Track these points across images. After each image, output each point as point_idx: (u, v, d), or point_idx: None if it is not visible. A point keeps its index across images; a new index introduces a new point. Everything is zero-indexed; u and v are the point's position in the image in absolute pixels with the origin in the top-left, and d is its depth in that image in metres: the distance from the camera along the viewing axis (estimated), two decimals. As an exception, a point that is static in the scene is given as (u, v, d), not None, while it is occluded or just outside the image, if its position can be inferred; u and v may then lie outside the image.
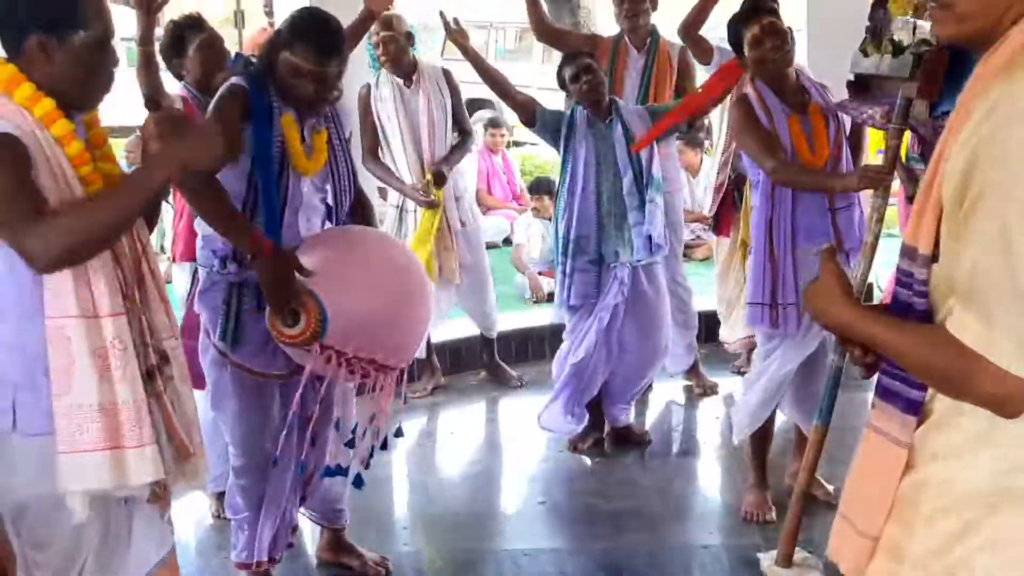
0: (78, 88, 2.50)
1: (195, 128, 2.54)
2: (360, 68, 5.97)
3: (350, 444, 3.77)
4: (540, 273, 8.32)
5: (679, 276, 5.83)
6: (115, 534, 2.65)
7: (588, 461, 5.23)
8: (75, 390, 2.45)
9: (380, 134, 5.83)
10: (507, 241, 9.74)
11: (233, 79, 3.56)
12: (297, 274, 3.37)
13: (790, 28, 4.27)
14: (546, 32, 5.89)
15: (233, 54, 4.12)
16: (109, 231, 2.43)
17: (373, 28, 5.66)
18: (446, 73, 5.89)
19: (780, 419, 4.70)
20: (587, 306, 5.07)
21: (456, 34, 5.15)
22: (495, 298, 6.28)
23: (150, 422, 2.52)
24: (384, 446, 3.77)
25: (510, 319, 6.99)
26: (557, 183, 5.18)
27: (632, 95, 5.62)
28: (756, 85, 4.24)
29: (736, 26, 4.28)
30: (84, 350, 2.44)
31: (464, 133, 5.96)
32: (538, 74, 16.18)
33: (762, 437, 4.54)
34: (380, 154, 5.85)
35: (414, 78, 5.75)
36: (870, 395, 2.03)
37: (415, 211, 5.82)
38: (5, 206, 2.34)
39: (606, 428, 5.39)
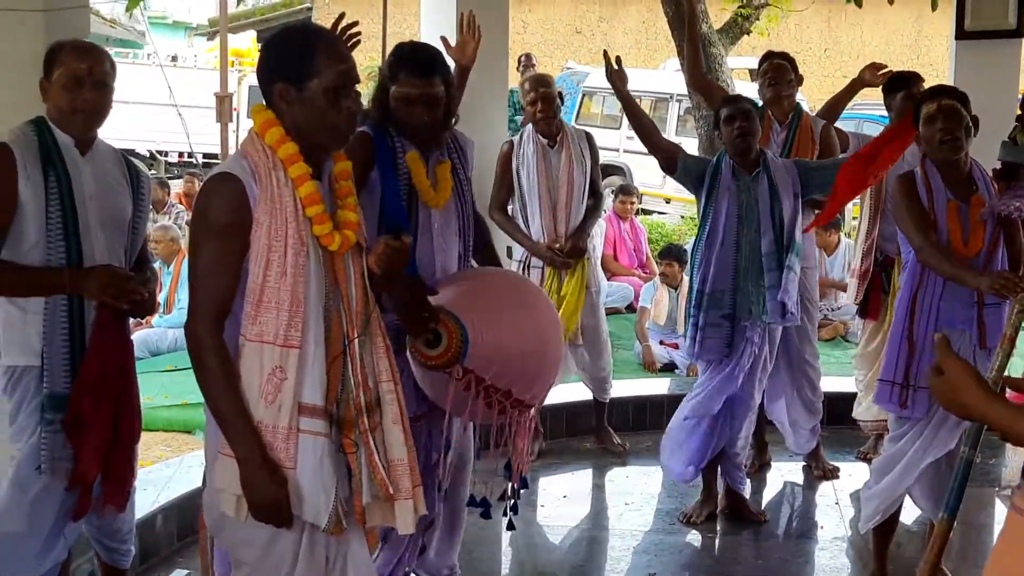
0: (315, 131, 2.70)
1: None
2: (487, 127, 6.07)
3: (479, 504, 3.81)
4: (661, 342, 8.26)
5: (809, 355, 5.74)
6: (311, 560, 2.74)
7: (699, 536, 5.15)
8: (257, 407, 2.64)
9: (517, 191, 5.92)
10: (630, 308, 9.71)
11: (358, 129, 3.68)
12: (433, 298, 3.45)
13: (975, 118, 4.19)
14: (700, 81, 5.89)
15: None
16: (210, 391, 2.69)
17: (528, 85, 5.81)
18: (588, 137, 5.95)
19: (915, 511, 4.57)
20: (717, 360, 5.01)
21: (615, 74, 5.17)
22: (611, 363, 6.26)
23: (284, 448, 2.64)
24: (519, 491, 3.78)
25: (627, 386, 6.96)
26: (695, 237, 5.12)
27: None
28: (925, 164, 4.20)
29: (919, 101, 4.26)
30: (254, 370, 2.63)
31: (596, 197, 5.99)
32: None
33: (886, 526, 4.42)
34: (510, 211, 5.95)
35: (558, 139, 5.82)
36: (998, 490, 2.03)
37: (541, 268, 5.87)
38: (204, 274, 2.64)
39: (720, 503, 5.30)
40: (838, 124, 5.84)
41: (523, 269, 5.96)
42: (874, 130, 6.00)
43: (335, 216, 2.73)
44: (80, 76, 3.45)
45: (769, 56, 5.78)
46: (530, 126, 5.93)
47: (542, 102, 5.78)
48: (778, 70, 5.67)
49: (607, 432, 6.30)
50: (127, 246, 3.62)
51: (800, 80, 5.75)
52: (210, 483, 2.75)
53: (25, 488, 3.46)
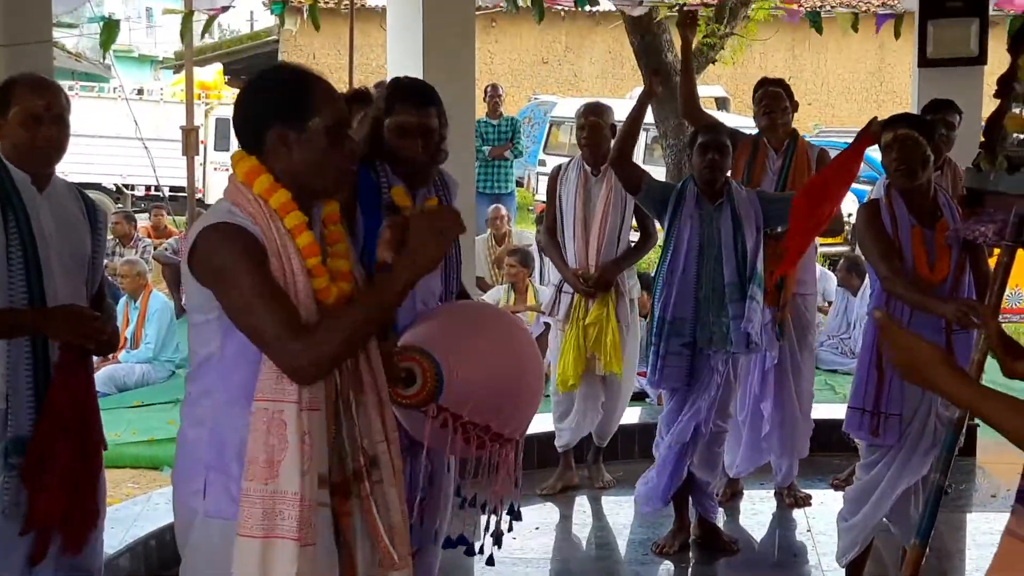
0: (315, 175, 2.54)
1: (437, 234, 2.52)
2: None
3: (460, 544, 3.77)
4: (632, 371, 8.24)
5: (805, 381, 5.74)
6: None
7: (672, 566, 5.12)
8: (282, 476, 2.44)
9: (558, 215, 5.95)
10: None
11: None
12: (408, 336, 3.41)
13: (936, 146, 4.22)
14: (694, 114, 5.82)
15: None
16: (365, 338, 2.51)
17: (580, 111, 5.89)
18: None
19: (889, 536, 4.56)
20: (681, 389, 5.00)
21: (654, 79, 5.13)
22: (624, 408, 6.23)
23: (313, 523, 2.47)
24: (510, 527, 3.75)
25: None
26: (657, 263, 5.13)
27: None
28: (890, 192, 4.24)
29: (883, 126, 4.29)
30: (297, 437, 2.44)
31: (646, 234, 5.99)
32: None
33: (860, 554, 4.41)
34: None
35: (603, 169, 5.83)
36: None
37: (572, 294, 5.86)
38: (264, 312, 2.39)
39: (692, 533, 5.28)
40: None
41: (557, 293, 5.96)
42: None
43: (327, 266, 2.57)
44: (38, 113, 3.39)
45: (763, 83, 5.72)
46: (579, 153, 5.97)
47: (588, 129, 5.81)
48: (773, 98, 5.62)
49: (600, 469, 6.22)
50: (87, 281, 3.56)
51: (795, 106, 5.71)
52: (193, 554, 2.58)
53: None
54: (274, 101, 2.53)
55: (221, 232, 2.44)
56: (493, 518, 3.69)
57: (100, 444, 3.61)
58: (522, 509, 5.66)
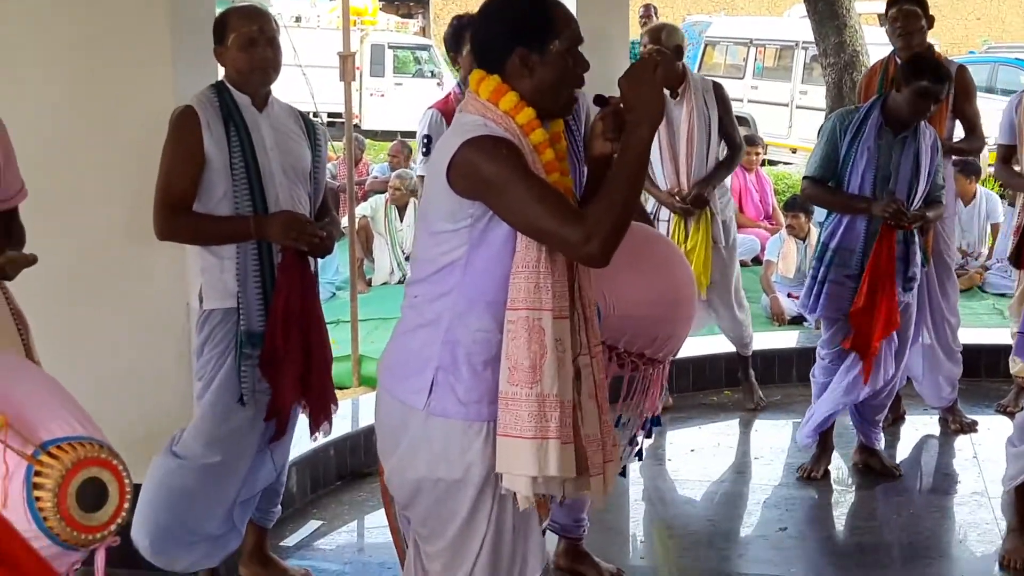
0: (552, 95, 2.62)
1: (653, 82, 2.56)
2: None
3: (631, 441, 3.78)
4: (789, 295, 8.14)
5: (949, 304, 5.60)
6: (513, 533, 2.68)
7: (831, 490, 5.06)
8: (545, 380, 2.55)
9: None
10: (756, 260, 9.58)
11: None
12: None
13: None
14: None
15: None
16: (635, 201, 2.56)
17: (642, 39, 5.74)
18: (717, 88, 5.85)
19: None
20: (840, 320, 4.87)
21: None
22: (749, 318, 6.16)
23: (569, 423, 2.60)
24: (649, 434, 3.78)
25: (755, 339, 6.85)
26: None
27: None
28: None
29: None
30: (553, 343, 2.55)
31: (733, 147, 5.90)
32: (797, 92, 15.90)
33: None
34: None
35: (680, 90, 5.73)
36: None
37: (668, 219, 5.79)
38: (543, 211, 2.48)
39: (853, 457, 5.20)
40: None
41: (652, 220, 5.89)
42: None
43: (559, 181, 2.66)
44: (253, 37, 3.69)
45: (897, 1, 5.49)
46: None
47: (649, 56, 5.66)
48: (907, 17, 5.40)
49: (750, 384, 6.17)
50: (310, 193, 3.85)
51: (931, 21, 5.48)
52: (412, 451, 2.66)
53: (223, 419, 3.72)
54: (518, 24, 2.59)
55: (485, 144, 2.51)
56: (640, 435, 3.72)
57: (326, 336, 3.91)
58: (677, 431, 5.74)
